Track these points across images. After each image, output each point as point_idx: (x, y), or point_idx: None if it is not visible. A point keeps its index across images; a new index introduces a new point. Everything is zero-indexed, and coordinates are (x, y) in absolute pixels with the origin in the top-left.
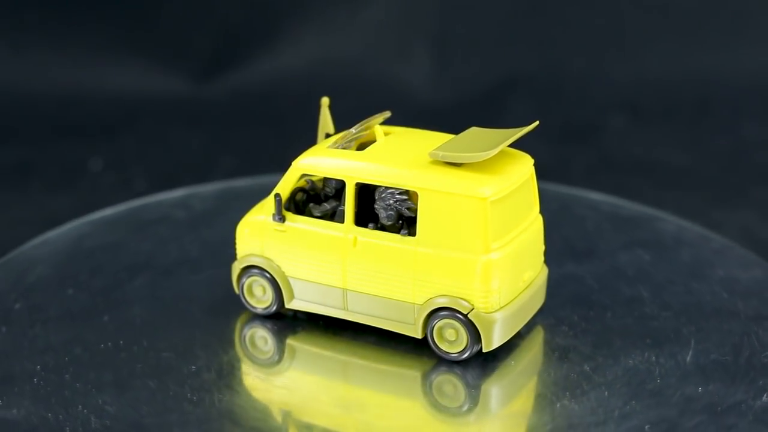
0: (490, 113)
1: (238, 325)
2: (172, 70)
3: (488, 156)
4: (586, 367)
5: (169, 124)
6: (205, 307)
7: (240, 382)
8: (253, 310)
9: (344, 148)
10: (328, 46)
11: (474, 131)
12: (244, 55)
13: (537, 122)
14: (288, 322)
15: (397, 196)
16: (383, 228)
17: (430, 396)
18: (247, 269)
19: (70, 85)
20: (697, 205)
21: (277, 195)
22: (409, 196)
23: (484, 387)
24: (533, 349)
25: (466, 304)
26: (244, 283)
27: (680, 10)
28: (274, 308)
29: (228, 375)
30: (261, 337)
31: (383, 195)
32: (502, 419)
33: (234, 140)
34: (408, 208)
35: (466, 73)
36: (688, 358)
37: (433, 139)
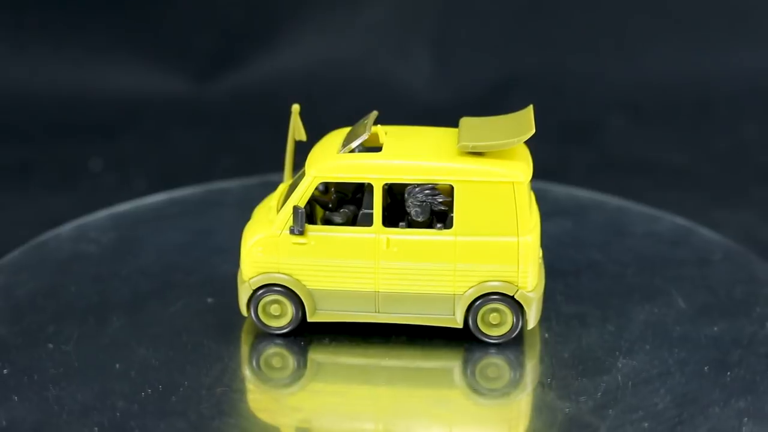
0: (490, 113)
1: (260, 348)
2: (172, 70)
3: (522, 141)
4: (611, 328)
5: (169, 124)
6: (212, 336)
7: (325, 402)
8: (270, 331)
9: (354, 152)
10: (328, 46)
11: (471, 121)
12: (244, 55)
13: (531, 105)
14: (307, 337)
15: (427, 191)
16: (411, 225)
17: (475, 382)
18: (259, 289)
19: (70, 85)
20: (697, 205)
21: (298, 207)
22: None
23: (528, 363)
24: (550, 321)
25: (511, 286)
26: (258, 304)
27: (680, 10)
28: (295, 324)
29: (303, 398)
30: (282, 355)
31: (413, 192)
32: (576, 384)
33: (234, 140)
34: (440, 202)
35: (466, 73)
36: (683, 305)
37: (433, 133)
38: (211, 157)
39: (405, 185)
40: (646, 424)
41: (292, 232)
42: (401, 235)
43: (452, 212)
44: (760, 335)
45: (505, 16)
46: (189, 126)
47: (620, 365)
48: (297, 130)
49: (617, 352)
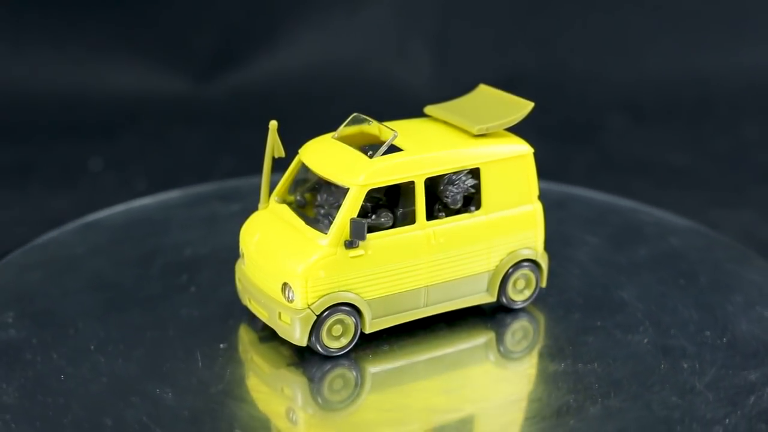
0: None
1: (326, 371)
2: (172, 70)
3: (525, 114)
4: (576, 271)
5: (169, 124)
6: (280, 379)
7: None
8: (333, 353)
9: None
10: (327, 46)
11: (444, 107)
12: (244, 55)
13: (480, 84)
14: (365, 349)
15: (456, 178)
16: (445, 215)
17: (503, 348)
18: (322, 313)
19: (70, 85)
20: (697, 205)
21: (356, 220)
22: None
23: (559, 315)
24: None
25: (533, 251)
26: (322, 328)
27: (680, 10)
28: (355, 340)
29: (377, 417)
30: (340, 375)
31: (452, 181)
32: (620, 319)
33: (234, 140)
34: (471, 186)
35: (466, 73)
36: (596, 240)
37: (421, 125)
38: (211, 157)
39: (439, 177)
40: (708, 333)
41: (350, 245)
42: (443, 225)
43: (478, 193)
44: (679, 249)
45: (505, 16)
46: (189, 126)
47: (626, 296)
48: (276, 147)
49: (610, 287)
